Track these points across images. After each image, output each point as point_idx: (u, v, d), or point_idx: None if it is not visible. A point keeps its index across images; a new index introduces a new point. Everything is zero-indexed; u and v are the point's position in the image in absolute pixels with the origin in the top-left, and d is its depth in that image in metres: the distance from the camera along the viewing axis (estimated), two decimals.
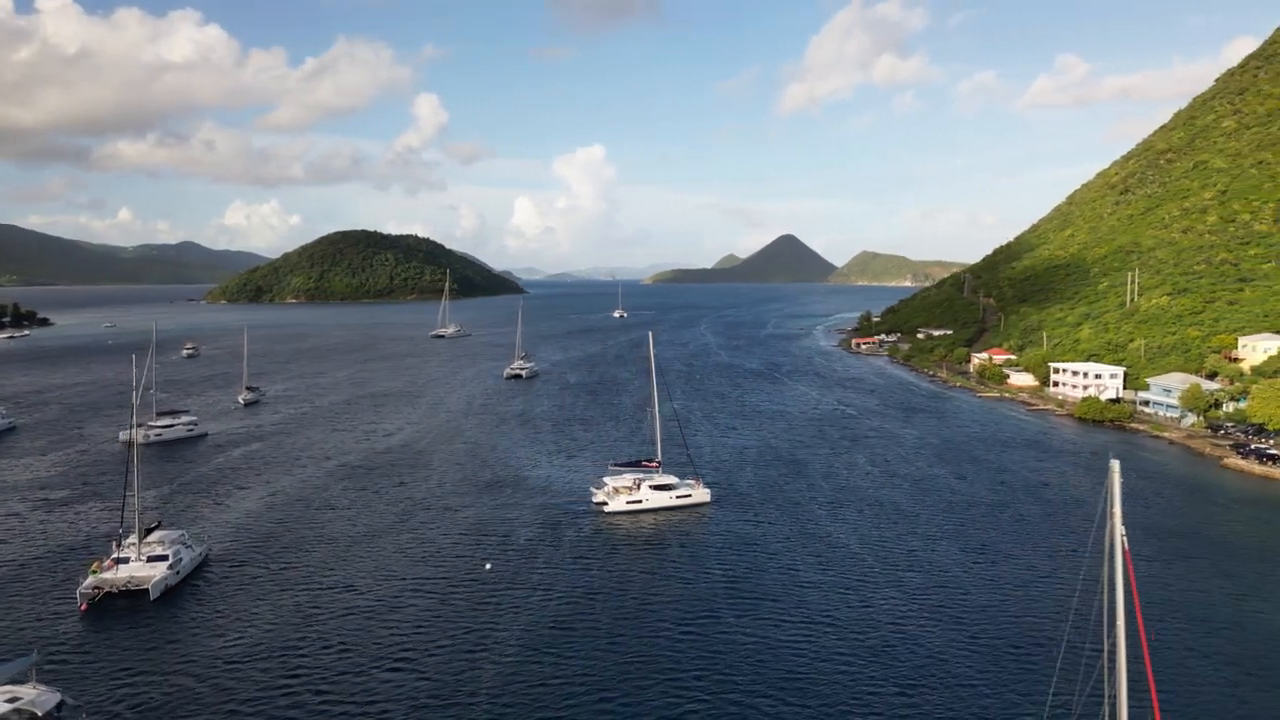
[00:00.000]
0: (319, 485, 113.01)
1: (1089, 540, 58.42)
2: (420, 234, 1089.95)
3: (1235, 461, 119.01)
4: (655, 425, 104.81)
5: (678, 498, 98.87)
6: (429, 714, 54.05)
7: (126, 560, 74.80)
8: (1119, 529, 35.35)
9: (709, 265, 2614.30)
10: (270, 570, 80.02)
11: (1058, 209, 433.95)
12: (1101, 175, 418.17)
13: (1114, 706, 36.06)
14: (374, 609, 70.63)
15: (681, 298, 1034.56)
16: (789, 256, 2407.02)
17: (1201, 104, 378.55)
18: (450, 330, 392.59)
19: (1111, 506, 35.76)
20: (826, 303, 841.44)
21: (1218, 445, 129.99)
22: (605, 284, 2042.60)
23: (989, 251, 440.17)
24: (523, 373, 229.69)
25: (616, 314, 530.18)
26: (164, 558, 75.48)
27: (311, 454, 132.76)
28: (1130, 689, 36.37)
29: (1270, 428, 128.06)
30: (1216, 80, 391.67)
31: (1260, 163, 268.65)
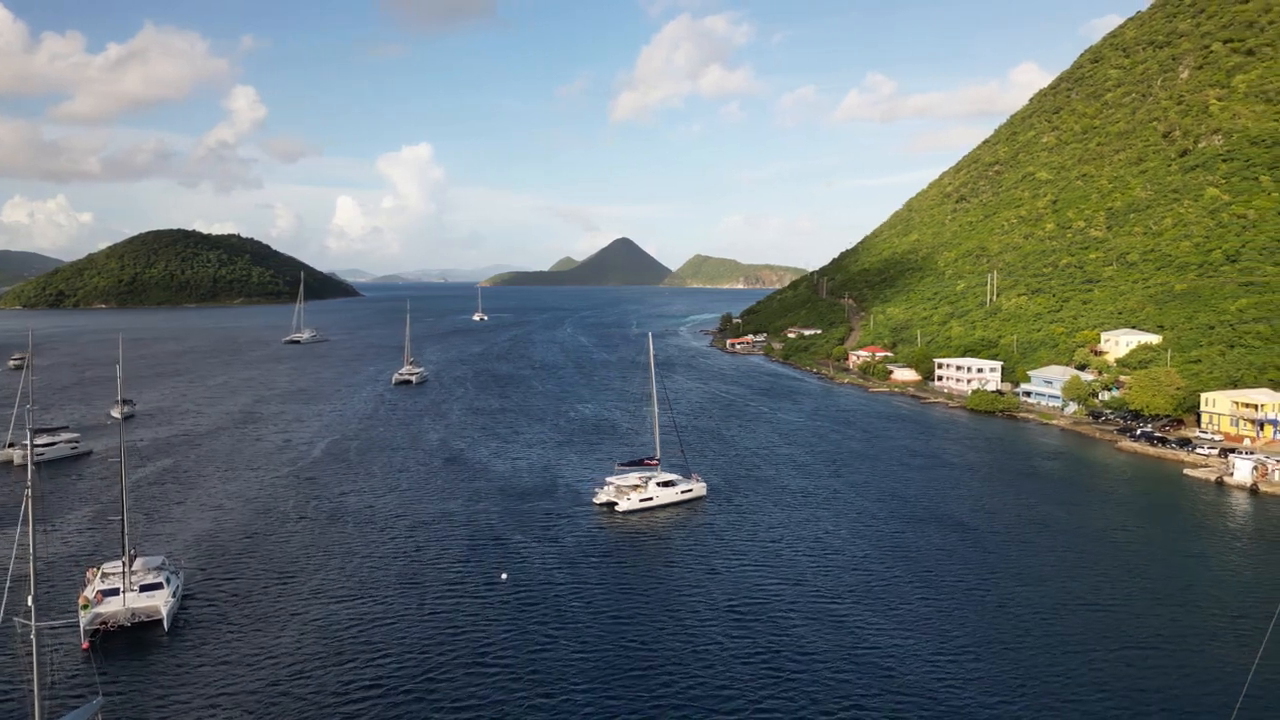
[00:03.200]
0: (264, 498, 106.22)
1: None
2: (228, 233, 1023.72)
3: (1129, 444, 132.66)
4: (655, 424, 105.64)
5: (682, 493, 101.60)
6: None
7: (116, 591, 67.80)
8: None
9: (546, 268, 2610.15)
10: (260, 588, 75.18)
11: (897, 215, 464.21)
12: (935, 185, 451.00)
13: None
14: (386, 619, 68.01)
15: (532, 300, 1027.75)
16: (625, 259, 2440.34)
17: (1020, 121, 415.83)
18: (305, 335, 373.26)
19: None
20: (675, 304, 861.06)
21: (1104, 430, 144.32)
22: (447, 286, 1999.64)
23: (817, 254, 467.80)
24: (413, 378, 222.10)
25: (476, 317, 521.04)
26: (158, 585, 69.02)
27: (235, 466, 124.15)
28: None
29: (1146, 413, 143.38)
30: (1031, 100, 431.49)
31: (1084, 175, 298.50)
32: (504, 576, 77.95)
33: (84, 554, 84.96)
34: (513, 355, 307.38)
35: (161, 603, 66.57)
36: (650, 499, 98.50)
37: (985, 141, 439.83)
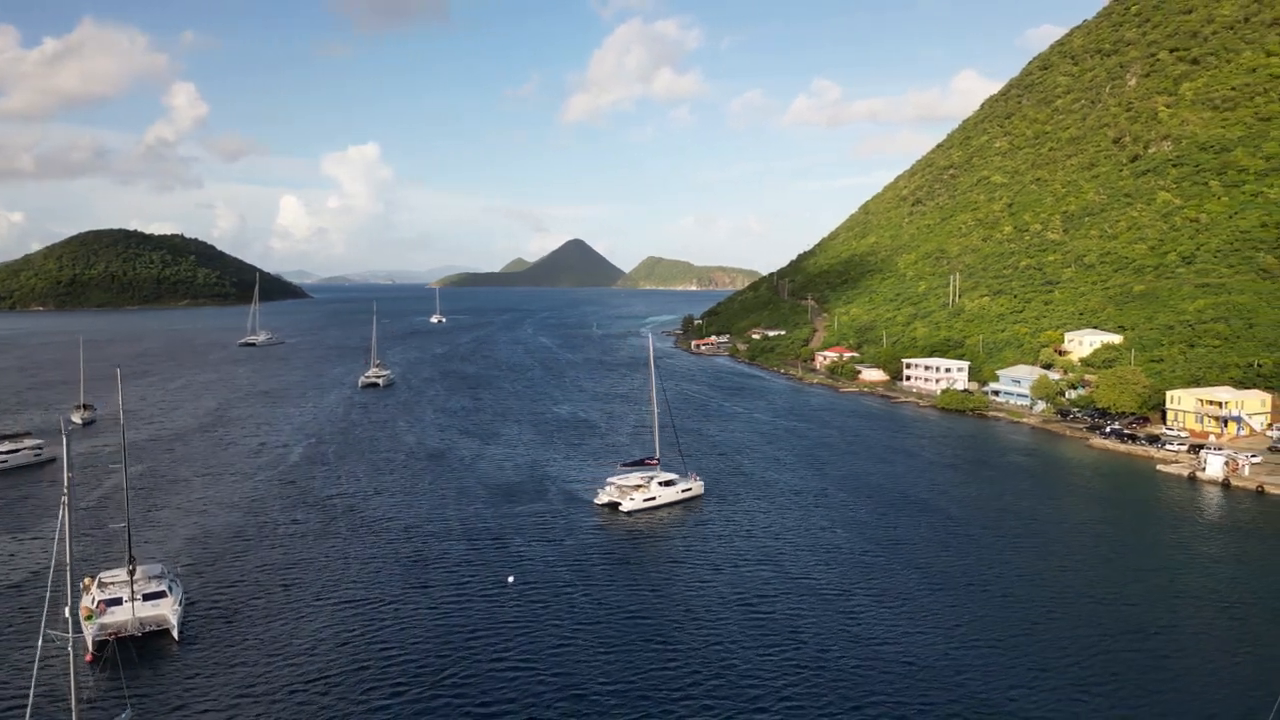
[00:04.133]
0: (248, 503, 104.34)
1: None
2: (170, 233, 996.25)
3: (1099, 441, 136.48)
4: (655, 424, 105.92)
5: (682, 492, 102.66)
6: None
7: (120, 600, 65.96)
8: None
9: (497, 269, 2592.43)
10: (263, 594, 73.89)
11: (854, 217, 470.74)
12: (891, 188, 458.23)
13: None
14: (398, 622, 67.46)
15: (488, 301, 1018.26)
16: (578, 260, 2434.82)
17: (973, 126, 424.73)
18: (261, 338, 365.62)
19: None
20: (632, 306, 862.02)
21: (1074, 428, 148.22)
22: (398, 288, 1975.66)
23: (768, 256, 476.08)
24: (380, 381, 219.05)
25: (435, 319, 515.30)
26: (162, 594, 67.32)
27: (214, 471, 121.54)
28: None
29: (1113, 411, 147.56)
30: (983, 105, 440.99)
31: (1038, 179, 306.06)
32: (510, 580, 77.39)
33: (80, 562, 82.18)
34: (477, 356, 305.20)
35: (170, 611, 64.93)
36: (653, 498, 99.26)
37: (939, 146, 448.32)
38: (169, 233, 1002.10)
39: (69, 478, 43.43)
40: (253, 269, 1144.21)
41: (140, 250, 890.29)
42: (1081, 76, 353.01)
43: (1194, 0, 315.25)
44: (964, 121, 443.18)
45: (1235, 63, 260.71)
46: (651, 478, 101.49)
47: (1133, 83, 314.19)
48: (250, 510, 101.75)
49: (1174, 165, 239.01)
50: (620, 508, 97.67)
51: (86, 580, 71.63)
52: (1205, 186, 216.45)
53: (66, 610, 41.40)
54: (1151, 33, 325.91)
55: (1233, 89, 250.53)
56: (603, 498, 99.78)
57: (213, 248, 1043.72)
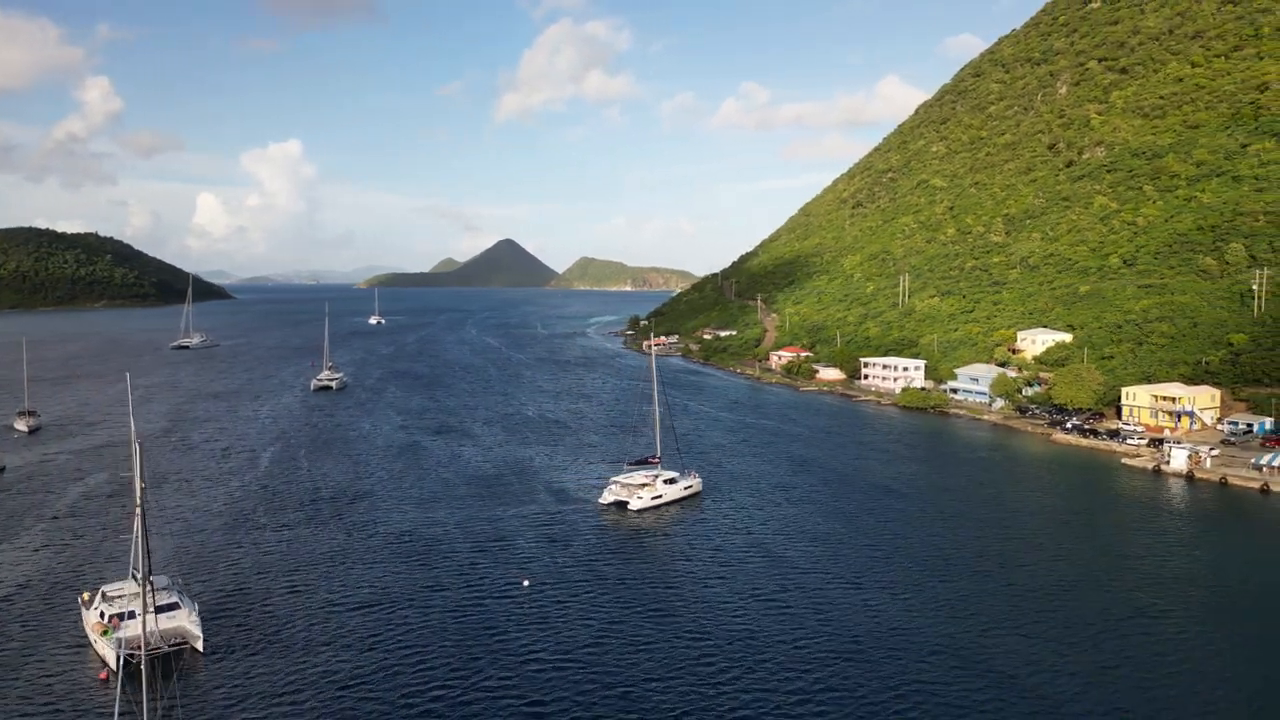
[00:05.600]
0: (231, 510, 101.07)
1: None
2: (83, 231, 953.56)
3: (1062, 436, 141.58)
4: (656, 424, 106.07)
5: (684, 489, 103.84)
6: None
7: (133, 615, 63.18)
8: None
9: (426, 269, 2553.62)
10: (273, 602, 71.85)
11: (794, 219, 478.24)
12: (830, 190, 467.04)
13: None
14: (422, 626, 66.56)
15: (424, 302, 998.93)
16: (510, 260, 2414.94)
17: (910, 130, 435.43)
18: (195, 340, 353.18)
19: None
20: (571, 306, 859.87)
21: (1034, 424, 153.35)
22: (324, 288, 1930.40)
23: (701, 257, 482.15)
24: (333, 384, 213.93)
25: (373, 320, 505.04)
26: (176, 606, 64.77)
27: (184, 478, 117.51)
28: None
29: (1070, 407, 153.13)
30: (918, 110, 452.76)
31: (977, 183, 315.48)
32: (526, 584, 76.56)
33: (66, 576, 78.89)
34: (426, 357, 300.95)
35: (190, 623, 62.52)
36: (660, 496, 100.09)
37: (877, 149, 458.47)
38: (80, 231, 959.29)
39: (141, 488, 41.41)
40: (173, 269, 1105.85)
41: (53, 249, 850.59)
42: (1013, 84, 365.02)
43: (1119, 12, 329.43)
44: (900, 126, 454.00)
45: (1162, 73, 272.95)
46: (656, 476, 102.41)
47: (1063, 90, 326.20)
48: (234, 516, 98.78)
49: (1108, 171, 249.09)
50: (629, 507, 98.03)
51: (85, 595, 68.54)
52: (1140, 191, 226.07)
53: (137, 625, 39.35)
54: (1079, 43, 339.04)
55: (1161, 98, 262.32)
56: (607, 497, 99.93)
57: (129, 247, 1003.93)
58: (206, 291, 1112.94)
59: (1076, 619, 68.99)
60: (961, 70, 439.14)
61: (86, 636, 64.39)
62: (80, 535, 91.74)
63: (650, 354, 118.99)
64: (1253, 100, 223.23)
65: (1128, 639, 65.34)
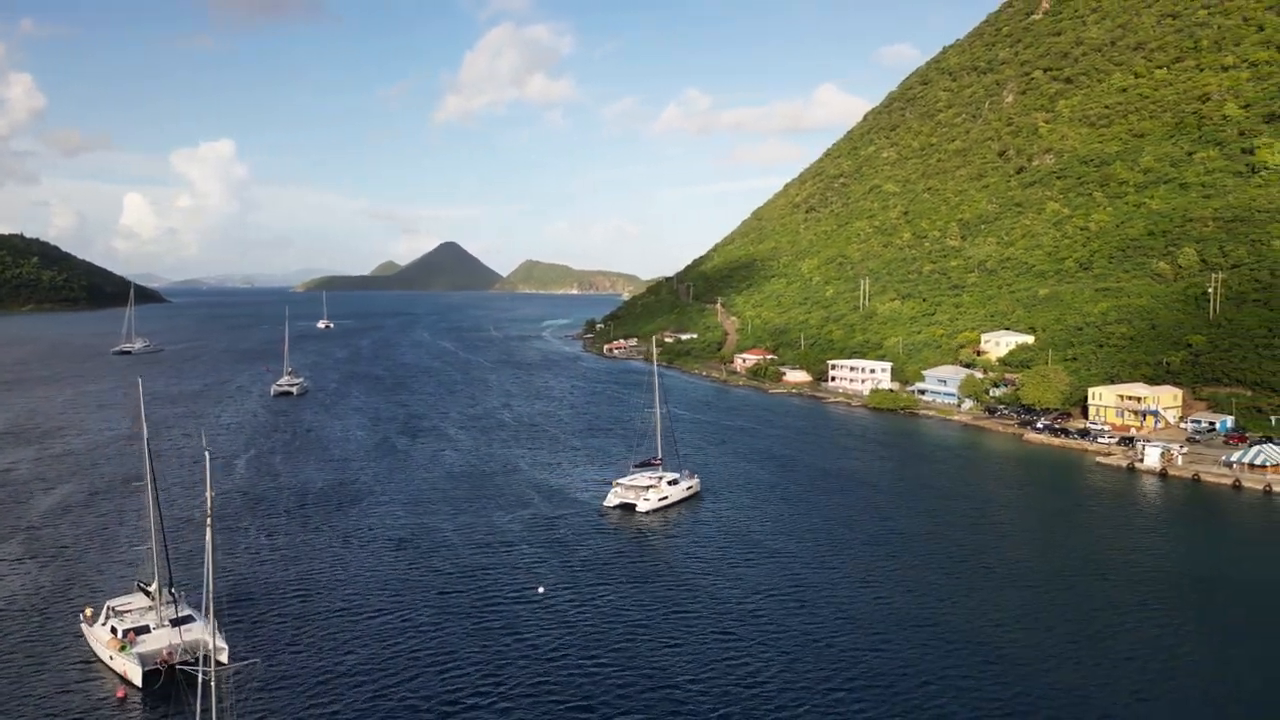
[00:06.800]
0: (218, 517, 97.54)
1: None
2: (3, 232, 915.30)
3: (1034, 436, 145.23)
4: (657, 425, 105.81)
5: (686, 490, 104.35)
6: None
7: (147, 629, 60.97)
8: None
9: (366, 272, 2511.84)
10: (284, 610, 70.21)
11: (747, 223, 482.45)
12: (783, 195, 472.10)
13: None
14: (445, 632, 65.61)
15: (370, 306, 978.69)
16: (452, 263, 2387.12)
17: (860, 136, 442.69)
18: (138, 345, 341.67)
19: None
20: (520, 309, 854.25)
21: (1004, 424, 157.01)
22: (258, 291, 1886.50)
23: (644, 261, 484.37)
24: (293, 389, 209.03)
25: (321, 324, 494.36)
26: (191, 618, 62.61)
27: (161, 485, 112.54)
28: None
29: (1038, 407, 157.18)
30: (866, 116, 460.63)
31: (930, 189, 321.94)
32: (541, 590, 75.69)
33: (56, 591, 75.67)
34: (384, 361, 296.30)
35: (209, 634, 60.24)
36: (666, 498, 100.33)
37: (827, 154, 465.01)
38: (4, 232, 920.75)
39: (211, 497, 39.83)
40: (104, 271, 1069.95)
41: None
42: (960, 92, 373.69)
43: (1062, 24, 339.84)
44: (849, 132, 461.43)
45: (1106, 83, 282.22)
46: (661, 478, 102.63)
47: (1010, 99, 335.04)
48: (219, 524, 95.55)
49: (1058, 177, 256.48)
50: (637, 509, 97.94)
51: (88, 611, 65.80)
52: (1090, 197, 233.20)
53: (215, 639, 37.81)
54: (1024, 53, 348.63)
55: (1106, 107, 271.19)
56: (612, 500, 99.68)
57: (57, 249, 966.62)
58: (140, 295, 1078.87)
59: (1084, 611, 70.81)
60: (909, 78, 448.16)
61: (93, 653, 61.85)
62: (64, 546, 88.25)
63: (653, 359, 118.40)
64: (1195, 110, 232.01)
65: (1136, 631, 67.30)
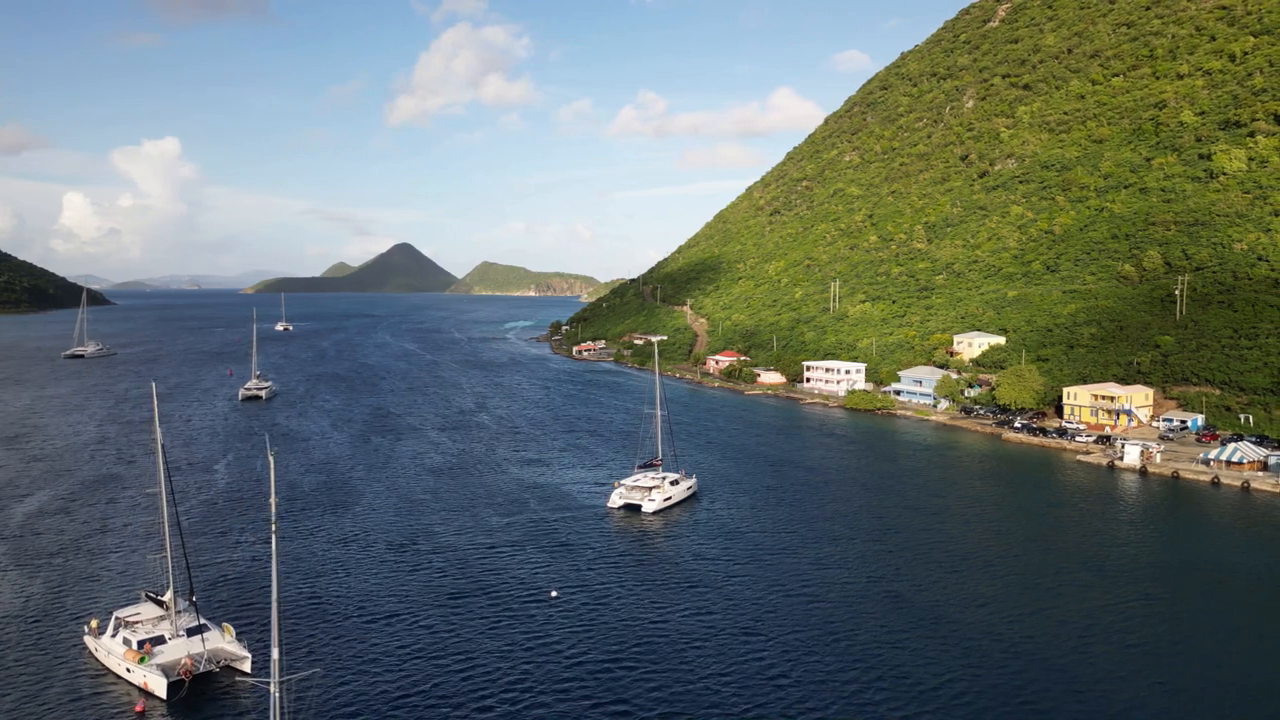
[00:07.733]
0: (208, 521, 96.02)
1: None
2: None
3: (1013, 435, 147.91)
4: (657, 427, 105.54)
5: (687, 489, 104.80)
6: None
7: (163, 639, 59.19)
8: None
9: (318, 273, 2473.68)
10: (296, 616, 68.46)
11: (710, 226, 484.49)
12: (746, 198, 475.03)
13: None
14: (467, 636, 64.89)
15: (327, 308, 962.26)
16: (407, 265, 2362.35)
17: (822, 140, 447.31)
18: (91, 348, 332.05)
19: None
20: (479, 311, 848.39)
21: (981, 424, 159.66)
22: (208, 294, 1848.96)
23: (601, 262, 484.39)
24: (261, 393, 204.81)
25: (280, 326, 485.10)
26: (205, 627, 60.94)
27: (138, 494, 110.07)
28: None
29: (1013, 407, 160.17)
30: (827, 120, 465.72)
31: (894, 192, 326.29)
32: (554, 594, 75.01)
33: (50, 601, 73.14)
34: (349, 363, 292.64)
35: (228, 643, 58.85)
36: (670, 498, 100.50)
37: (789, 157, 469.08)
38: None
39: (274, 502, 38.67)
40: (46, 273, 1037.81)
41: None
42: (921, 98, 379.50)
43: (1018, 31, 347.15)
44: (810, 136, 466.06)
45: (1065, 90, 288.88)
46: (664, 478, 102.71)
47: (970, 105, 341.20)
48: (211, 530, 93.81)
49: (1021, 182, 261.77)
50: (643, 510, 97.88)
51: (93, 622, 63.69)
52: (1053, 201, 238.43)
53: (274, 653, 36.79)
54: (982, 59, 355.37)
55: (1065, 113, 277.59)
56: (616, 500, 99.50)
57: None
58: (79, 297, 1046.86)
59: (1087, 606, 72.26)
60: (869, 83, 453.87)
61: (102, 666, 59.87)
62: (53, 555, 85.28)
63: (655, 368, 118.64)
64: (1152, 116, 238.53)
65: (1146, 621, 68.87)
